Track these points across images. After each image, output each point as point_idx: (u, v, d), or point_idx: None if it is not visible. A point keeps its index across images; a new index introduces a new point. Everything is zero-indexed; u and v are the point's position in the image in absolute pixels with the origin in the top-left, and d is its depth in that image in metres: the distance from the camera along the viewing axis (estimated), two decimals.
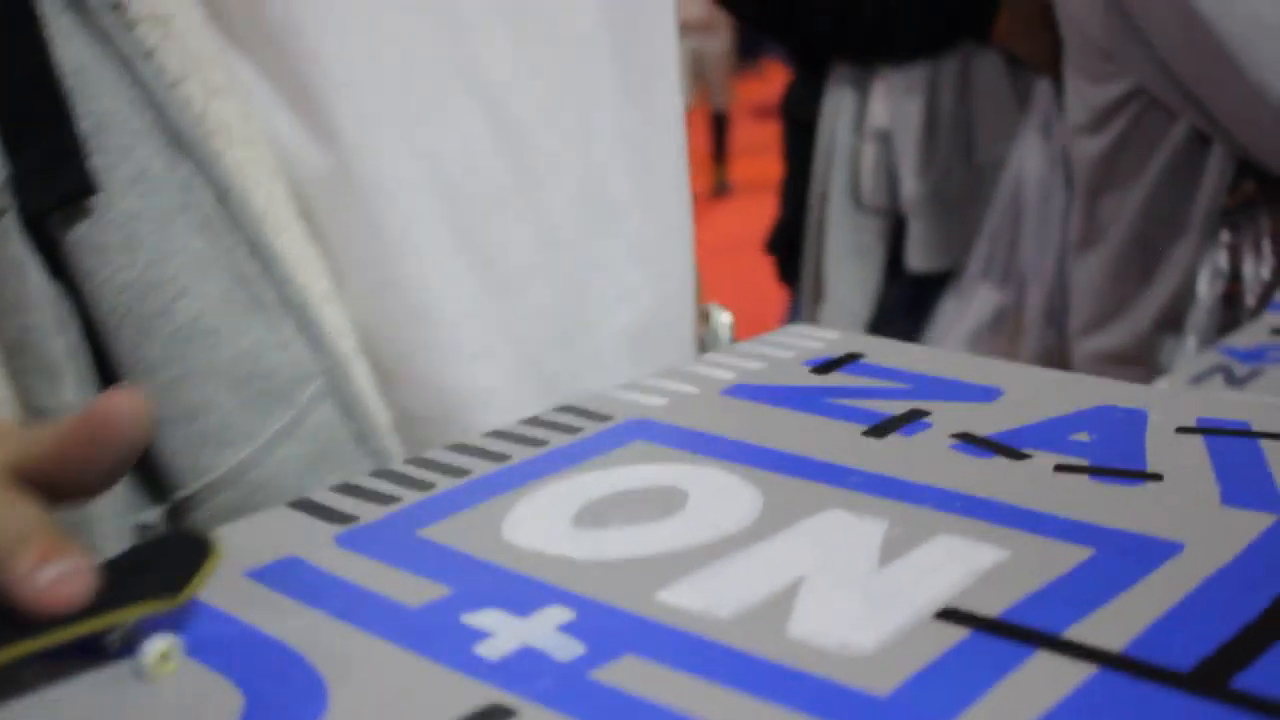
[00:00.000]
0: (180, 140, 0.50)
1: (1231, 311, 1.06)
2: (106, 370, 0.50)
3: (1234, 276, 1.10)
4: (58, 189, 0.49)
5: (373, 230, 0.55)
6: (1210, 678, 0.31)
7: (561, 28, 0.60)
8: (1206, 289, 1.09)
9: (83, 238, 0.49)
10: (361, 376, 0.54)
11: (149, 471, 0.51)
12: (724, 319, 0.74)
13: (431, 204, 0.57)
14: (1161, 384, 0.74)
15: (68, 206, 0.48)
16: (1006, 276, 1.53)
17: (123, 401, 0.36)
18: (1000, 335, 1.53)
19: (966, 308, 1.56)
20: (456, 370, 0.58)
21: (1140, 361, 1.19)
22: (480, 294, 0.58)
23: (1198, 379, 0.74)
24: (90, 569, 0.34)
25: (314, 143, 0.55)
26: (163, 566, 0.37)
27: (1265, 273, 1.07)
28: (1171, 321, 1.16)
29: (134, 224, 0.49)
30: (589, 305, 0.62)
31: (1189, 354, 1.07)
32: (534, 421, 0.51)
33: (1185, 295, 1.13)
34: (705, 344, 0.74)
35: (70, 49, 0.49)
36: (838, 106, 1.64)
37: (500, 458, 0.47)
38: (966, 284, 1.57)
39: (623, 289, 0.64)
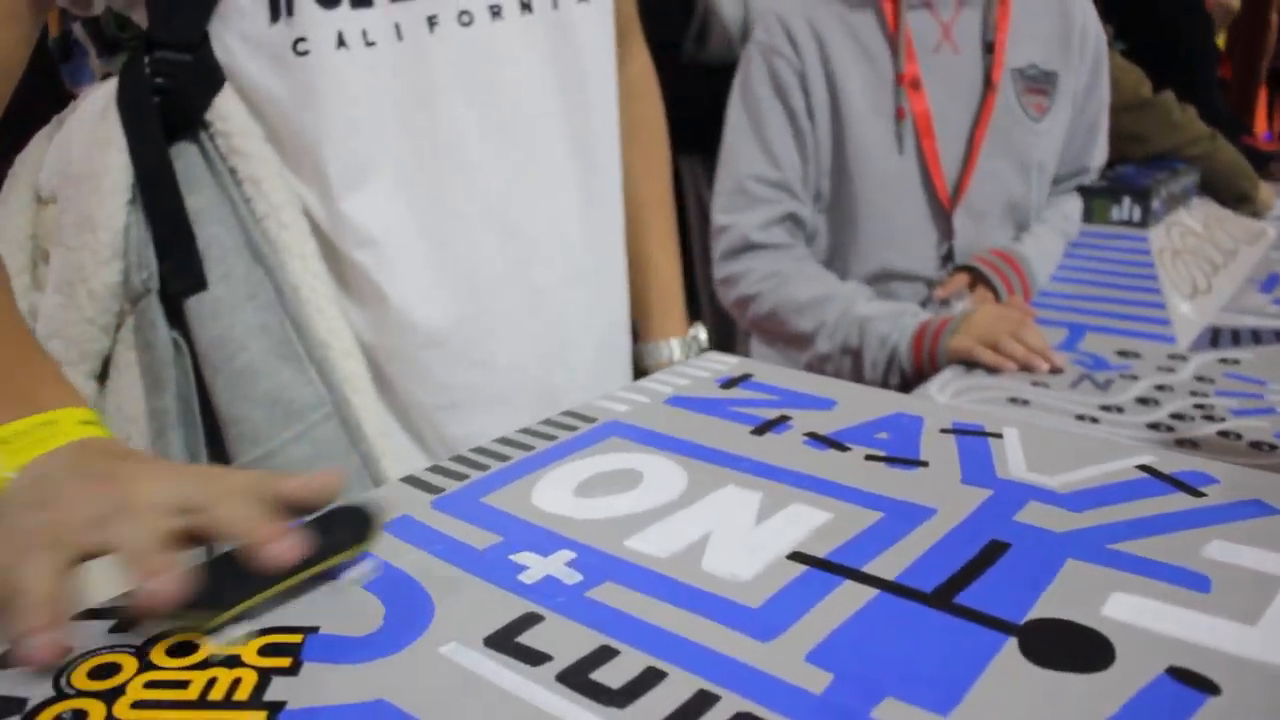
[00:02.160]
0: (258, 255, 0.59)
1: None
2: (201, 387, 0.60)
3: None
4: (184, 283, 0.58)
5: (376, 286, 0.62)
6: (943, 596, 0.39)
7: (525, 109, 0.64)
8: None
9: (190, 308, 0.58)
10: (362, 405, 0.61)
11: (218, 448, 0.61)
12: (701, 334, 0.81)
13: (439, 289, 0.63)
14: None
15: (186, 293, 0.58)
16: None
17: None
18: None
19: None
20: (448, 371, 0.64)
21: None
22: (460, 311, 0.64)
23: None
24: (300, 536, 0.40)
25: (336, 230, 0.61)
26: (345, 528, 0.42)
27: None
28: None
29: (218, 304, 0.58)
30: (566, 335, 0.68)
31: None
32: (549, 422, 0.57)
33: None
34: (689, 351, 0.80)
35: (200, 197, 0.58)
36: None
37: (528, 448, 0.54)
38: None
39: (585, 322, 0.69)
